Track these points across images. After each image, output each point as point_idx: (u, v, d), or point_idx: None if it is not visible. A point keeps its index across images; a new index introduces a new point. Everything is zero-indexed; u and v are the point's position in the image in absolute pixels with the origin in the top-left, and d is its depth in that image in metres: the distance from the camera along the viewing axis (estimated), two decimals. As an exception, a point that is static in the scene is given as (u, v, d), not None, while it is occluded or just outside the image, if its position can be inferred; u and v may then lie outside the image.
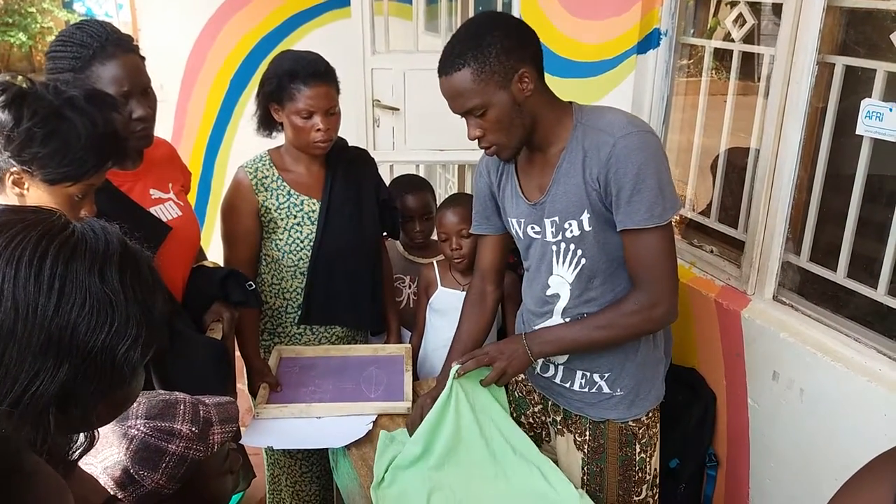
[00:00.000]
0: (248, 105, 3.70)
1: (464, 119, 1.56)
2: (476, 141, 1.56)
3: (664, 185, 1.49)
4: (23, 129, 1.24)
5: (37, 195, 1.29)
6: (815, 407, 1.88)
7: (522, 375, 1.87)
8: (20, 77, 1.30)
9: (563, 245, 1.62)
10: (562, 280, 1.66)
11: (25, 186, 1.29)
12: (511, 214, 1.73)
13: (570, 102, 1.61)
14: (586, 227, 1.57)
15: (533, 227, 1.67)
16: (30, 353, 0.68)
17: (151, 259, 0.79)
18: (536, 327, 1.74)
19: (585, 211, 1.55)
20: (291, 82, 1.89)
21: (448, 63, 1.51)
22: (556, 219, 1.60)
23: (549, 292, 1.70)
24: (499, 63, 1.47)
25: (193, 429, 1.07)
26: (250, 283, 1.89)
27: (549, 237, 1.63)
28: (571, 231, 1.59)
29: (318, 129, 1.91)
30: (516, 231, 1.73)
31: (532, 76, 1.51)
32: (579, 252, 1.61)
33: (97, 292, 0.71)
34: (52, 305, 0.69)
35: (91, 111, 1.30)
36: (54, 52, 1.59)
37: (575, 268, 1.63)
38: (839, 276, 1.93)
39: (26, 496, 0.55)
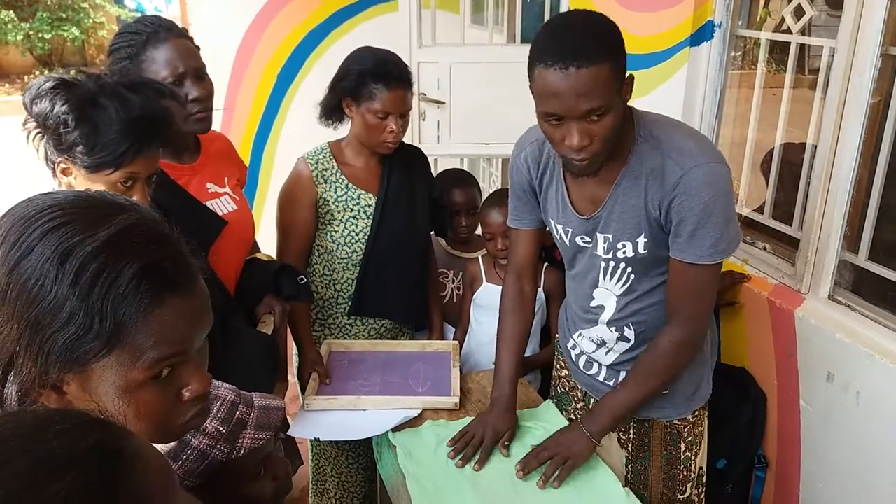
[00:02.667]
0: (294, 98, 3.75)
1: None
2: (578, 151, 1.37)
3: (730, 219, 1.44)
4: (54, 115, 1.25)
5: (83, 185, 1.29)
6: (873, 410, 1.83)
7: (566, 371, 1.86)
8: (74, 71, 1.32)
9: (612, 263, 1.57)
10: (608, 293, 1.63)
11: (73, 176, 1.30)
12: (554, 219, 1.65)
13: (630, 108, 1.51)
14: (641, 251, 1.52)
15: (583, 238, 1.60)
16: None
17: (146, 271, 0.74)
18: (583, 331, 1.72)
19: (643, 235, 1.50)
20: (374, 82, 1.91)
21: (584, 52, 1.31)
22: (610, 237, 1.54)
23: (593, 303, 1.67)
24: (622, 65, 1.36)
25: (221, 428, 1.06)
26: (302, 276, 1.92)
27: (601, 252, 1.57)
28: (625, 252, 1.54)
29: (391, 131, 1.94)
30: (560, 237, 1.66)
31: (633, 83, 1.41)
32: (629, 270, 1.57)
33: (45, 270, 0.70)
34: (13, 261, 0.70)
35: (130, 97, 1.29)
36: (113, 45, 1.64)
37: (624, 284, 1.59)
38: (900, 275, 1.87)
39: (131, 483, 0.54)
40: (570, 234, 1.62)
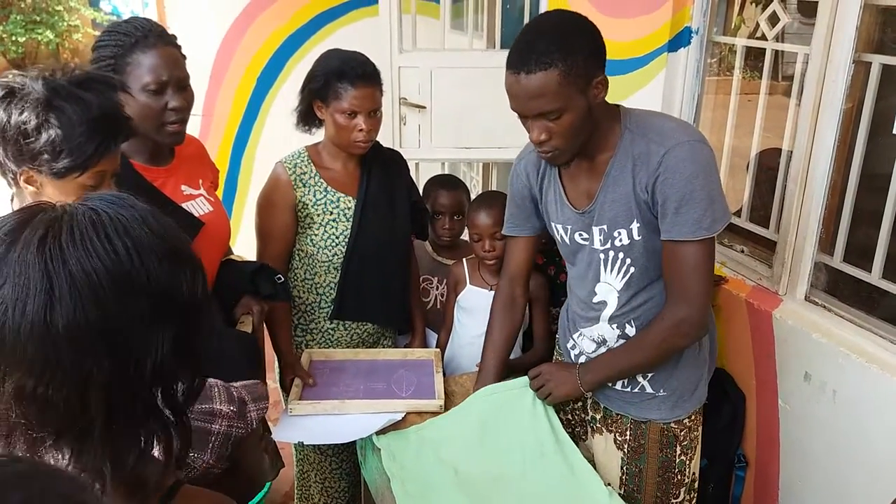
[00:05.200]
0: (274, 103, 3.74)
1: (508, 122, 1.54)
2: (539, 145, 1.51)
3: (715, 197, 1.47)
4: (13, 126, 1.22)
5: (50, 192, 1.27)
6: (848, 409, 1.86)
7: None
8: (12, 74, 1.27)
9: (611, 253, 1.60)
10: (609, 287, 1.65)
11: (38, 184, 1.27)
12: (555, 220, 1.70)
13: (618, 106, 1.58)
14: (636, 237, 1.55)
15: (581, 234, 1.65)
16: (144, 325, 0.70)
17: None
18: (584, 330, 1.74)
19: (635, 220, 1.54)
20: (339, 81, 1.91)
21: (529, 60, 1.41)
22: (605, 227, 1.58)
23: (595, 299, 1.69)
24: (584, 67, 1.42)
25: (232, 408, 1.10)
26: (279, 276, 1.91)
27: (598, 245, 1.61)
28: (620, 240, 1.57)
29: (361, 130, 1.94)
30: (561, 236, 1.71)
31: (605, 83, 1.48)
32: (628, 261, 1.59)
33: (159, 244, 0.72)
34: (143, 270, 0.70)
35: (83, 96, 1.26)
36: (99, 41, 1.62)
37: (623, 276, 1.61)
38: (874, 276, 1.90)
39: None
40: (569, 232, 1.67)
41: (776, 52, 2.25)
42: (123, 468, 0.71)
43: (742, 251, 2.33)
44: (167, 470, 0.73)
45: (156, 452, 0.75)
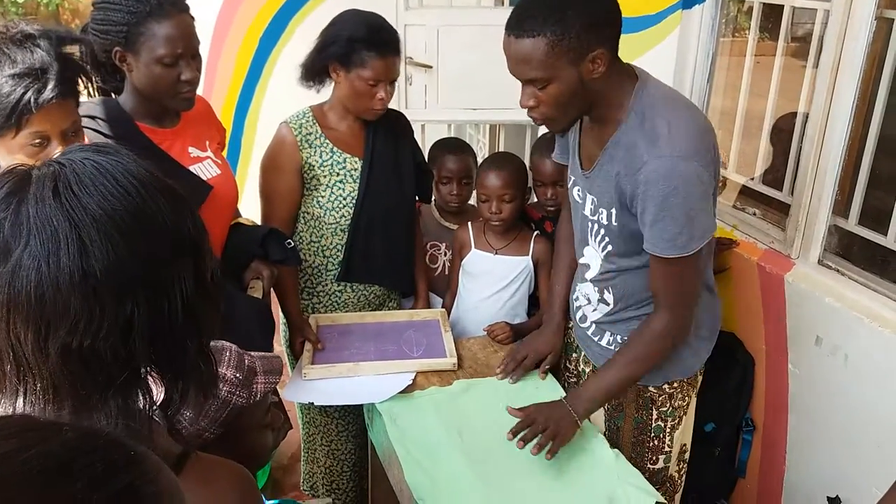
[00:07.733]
0: (278, 62, 3.67)
1: (518, 83, 1.47)
2: (528, 110, 1.49)
3: (694, 214, 1.41)
4: None
5: (3, 156, 1.24)
6: (860, 373, 1.85)
7: (572, 322, 1.88)
8: None
9: (596, 225, 1.61)
10: (594, 252, 1.67)
11: None
12: (567, 164, 1.72)
13: (637, 77, 1.50)
14: (613, 222, 1.55)
15: (578, 192, 1.65)
16: (169, 260, 0.70)
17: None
18: (579, 284, 1.76)
19: (614, 207, 1.53)
20: (366, 49, 1.85)
21: (521, 24, 1.39)
22: (595, 199, 1.58)
23: (582, 261, 1.72)
24: (577, 39, 1.36)
25: (238, 375, 1.08)
26: (289, 241, 1.89)
27: (588, 212, 1.62)
28: (601, 218, 1.58)
29: (381, 98, 1.91)
30: (569, 184, 1.72)
31: (606, 58, 1.41)
32: (607, 238, 1.61)
33: (157, 182, 0.73)
34: (156, 207, 0.70)
35: (11, 53, 1.22)
36: (106, 2, 1.55)
37: (603, 250, 1.64)
38: (889, 240, 1.87)
39: None
40: (571, 182, 1.67)
41: (783, 10, 2.18)
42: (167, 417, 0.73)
43: (754, 214, 2.30)
44: (193, 436, 0.73)
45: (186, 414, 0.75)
